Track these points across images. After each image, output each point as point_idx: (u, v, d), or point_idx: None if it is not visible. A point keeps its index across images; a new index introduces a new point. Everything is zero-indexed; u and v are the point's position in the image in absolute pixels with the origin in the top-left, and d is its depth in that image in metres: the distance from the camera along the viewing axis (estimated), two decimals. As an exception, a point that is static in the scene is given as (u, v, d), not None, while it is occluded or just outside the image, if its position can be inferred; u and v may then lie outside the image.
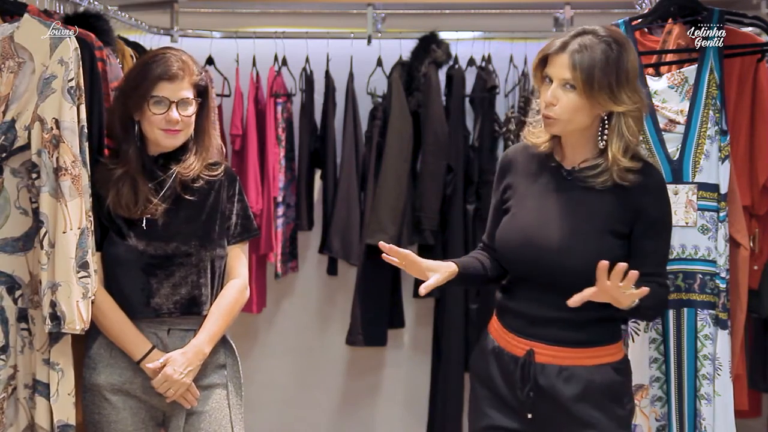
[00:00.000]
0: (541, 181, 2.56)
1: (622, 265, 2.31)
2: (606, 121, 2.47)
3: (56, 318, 2.55)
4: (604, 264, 2.31)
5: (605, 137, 2.47)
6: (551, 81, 2.45)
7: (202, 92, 2.77)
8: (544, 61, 2.48)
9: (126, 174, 2.71)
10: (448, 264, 2.56)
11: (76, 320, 2.56)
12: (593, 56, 2.40)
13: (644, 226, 2.48)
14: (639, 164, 2.48)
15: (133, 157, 2.72)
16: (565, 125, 2.47)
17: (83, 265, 2.58)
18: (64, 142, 2.57)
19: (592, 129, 2.49)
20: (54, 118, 2.57)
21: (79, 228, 2.58)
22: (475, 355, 2.68)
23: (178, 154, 2.77)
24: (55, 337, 2.60)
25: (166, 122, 2.69)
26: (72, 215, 2.56)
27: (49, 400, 2.60)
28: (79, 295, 2.56)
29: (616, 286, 2.32)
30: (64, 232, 2.56)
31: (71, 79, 2.58)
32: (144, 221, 2.72)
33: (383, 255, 2.51)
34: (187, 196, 2.75)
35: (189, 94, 2.72)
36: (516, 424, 2.53)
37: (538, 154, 2.59)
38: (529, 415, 2.51)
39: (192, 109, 2.73)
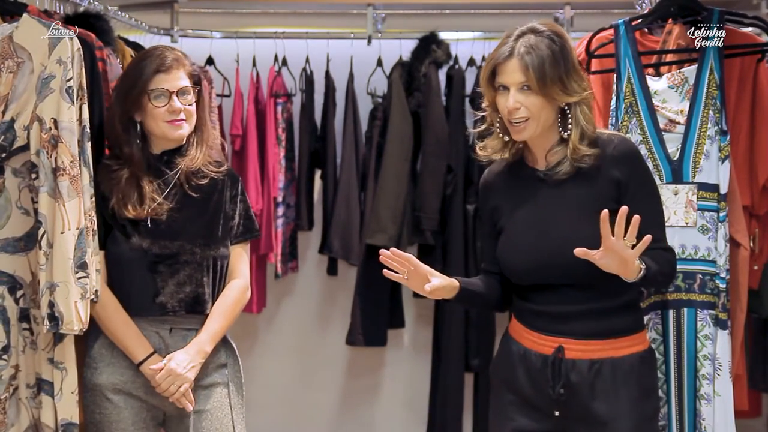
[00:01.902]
0: (523, 191, 2.57)
1: (623, 209, 2.30)
2: (567, 112, 2.49)
3: (54, 318, 2.54)
4: (605, 213, 2.31)
5: (569, 127, 2.49)
6: (505, 89, 2.48)
7: (196, 82, 2.80)
8: (493, 72, 2.51)
9: (131, 176, 2.71)
10: (451, 279, 2.57)
11: (74, 321, 2.55)
12: (540, 54, 2.45)
13: (628, 195, 2.47)
14: (595, 150, 2.48)
15: (136, 158, 2.73)
16: (535, 126, 2.49)
17: (82, 266, 2.57)
18: (62, 142, 2.57)
19: (553, 123, 2.51)
20: (52, 118, 2.57)
21: (77, 228, 2.57)
22: (498, 360, 2.65)
23: (181, 150, 2.79)
24: (59, 336, 2.60)
25: (169, 113, 2.71)
26: (70, 215, 2.56)
27: (53, 399, 2.60)
28: (77, 295, 2.56)
29: (621, 237, 2.30)
30: (62, 233, 2.55)
31: (69, 79, 2.58)
32: (148, 220, 2.72)
33: (381, 258, 2.49)
34: (191, 194, 2.76)
35: (186, 82, 2.75)
36: (542, 425, 2.52)
37: (510, 167, 2.62)
38: (557, 413, 2.49)
39: (191, 97, 2.76)
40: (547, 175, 2.53)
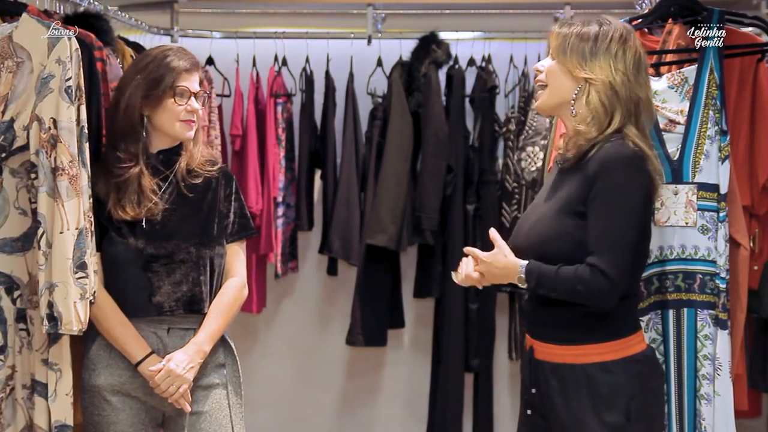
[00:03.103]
0: (550, 176, 2.62)
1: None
2: None
3: (53, 319, 2.54)
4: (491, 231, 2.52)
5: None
6: None
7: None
8: None
9: (135, 176, 2.72)
10: None
11: (74, 321, 2.55)
12: (573, 25, 2.49)
13: (589, 199, 2.42)
14: (591, 135, 2.43)
15: (142, 157, 2.73)
16: (549, 96, 2.52)
17: (81, 266, 2.57)
18: (61, 142, 2.57)
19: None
20: (52, 117, 2.57)
21: (76, 228, 2.57)
22: None
23: (177, 149, 2.80)
24: (54, 337, 2.60)
25: (187, 112, 2.74)
26: (69, 215, 2.56)
27: (47, 401, 2.60)
28: (76, 295, 2.55)
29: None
30: (61, 233, 2.55)
31: (69, 79, 2.58)
32: (143, 220, 2.72)
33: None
34: (186, 193, 2.77)
35: (199, 86, 2.79)
36: (530, 419, 2.56)
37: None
38: (529, 411, 2.54)
39: (201, 102, 2.80)
40: (559, 162, 2.56)
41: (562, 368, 2.45)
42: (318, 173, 4.63)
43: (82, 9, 3.39)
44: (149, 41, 4.30)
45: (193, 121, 2.77)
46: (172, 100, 2.73)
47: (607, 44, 2.45)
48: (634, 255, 2.40)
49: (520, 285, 2.45)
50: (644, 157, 2.42)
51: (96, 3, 3.56)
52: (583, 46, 2.45)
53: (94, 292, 2.63)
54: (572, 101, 2.48)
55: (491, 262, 2.49)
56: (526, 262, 2.44)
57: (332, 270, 4.62)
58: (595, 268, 2.36)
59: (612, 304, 2.39)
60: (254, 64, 4.51)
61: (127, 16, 4.05)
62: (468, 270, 2.53)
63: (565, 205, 2.45)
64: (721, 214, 2.86)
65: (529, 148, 4.29)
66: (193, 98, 2.76)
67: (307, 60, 4.56)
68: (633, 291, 2.49)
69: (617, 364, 2.43)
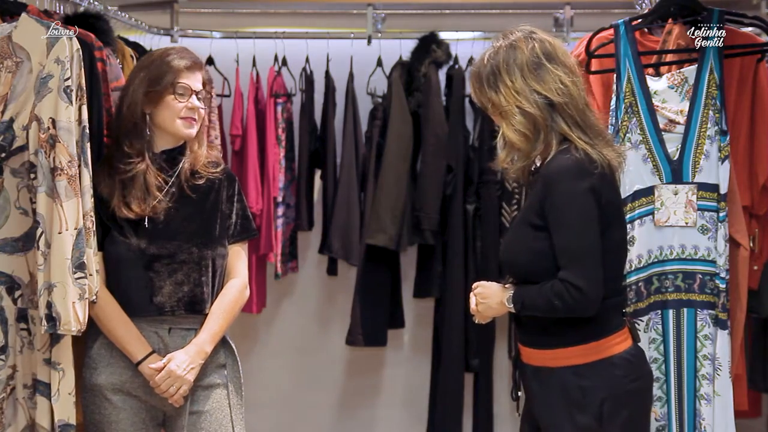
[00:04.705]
0: None
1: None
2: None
3: (52, 319, 2.54)
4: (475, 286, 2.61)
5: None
6: None
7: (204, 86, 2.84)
8: None
9: (140, 172, 2.72)
10: None
11: (72, 321, 2.55)
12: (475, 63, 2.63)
13: (546, 216, 2.43)
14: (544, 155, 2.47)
15: (147, 153, 2.75)
16: None
17: (80, 266, 2.57)
18: (60, 142, 2.57)
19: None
20: (50, 117, 2.57)
21: (75, 229, 2.57)
22: None
23: (178, 151, 2.80)
24: (56, 337, 2.60)
25: (188, 110, 2.75)
26: (68, 216, 2.56)
27: (50, 400, 2.60)
28: (75, 296, 2.55)
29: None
30: (59, 233, 2.55)
31: (68, 79, 2.58)
32: (146, 220, 2.73)
33: None
34: (188, 193, 2.77)
35: (201, 85, 2.80)
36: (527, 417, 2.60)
37: None
38: (517, 414, 2.60)
39: (204, 101, 2.81)
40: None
41: (541, 371, 2.48)
42: (318, 173, 4.63)
43: (82, 9, 3.39)
44: (149, 41, 4.31)
45: (194, 119, 2.77)
46: (173, 96, 2.74)
47: (496, 76, 2.51)
48: (597, 257, 2.39)
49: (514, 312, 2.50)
50: (586, 163, 2.39)
51: (96, 3, 3.56)
52: (481, 87, 2.53)
53: (96, 291, 2.63)
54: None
55: (481, 293, 2.56)
56: (511, 291, 2.48)
57: (332, 270, 4.62)
58: (565, 282, 2.38)
59: (592, 311, 2.40)
60: (254, 64, 4.50)
61: (127, 16, 4.05)
62: (472, 304, 2.59)
63: (523, 217, 2.49)
64: (721, 214, 2.86)
65: (529, 148, 4.29)
66: (194, 96, 2.77)
67: (307, 60, 4.56)
68: (608, 292, 2.43)
69: (589, 367, 2.43)
